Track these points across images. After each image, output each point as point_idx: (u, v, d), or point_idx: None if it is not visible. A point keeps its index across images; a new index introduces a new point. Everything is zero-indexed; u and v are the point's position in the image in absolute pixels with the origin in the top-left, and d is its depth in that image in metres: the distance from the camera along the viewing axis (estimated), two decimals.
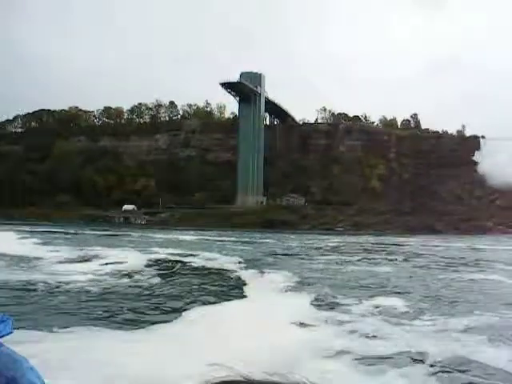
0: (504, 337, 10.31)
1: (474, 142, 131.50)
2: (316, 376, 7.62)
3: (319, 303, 14.21)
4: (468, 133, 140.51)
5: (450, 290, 17.87)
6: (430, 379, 7.71)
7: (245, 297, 15.71)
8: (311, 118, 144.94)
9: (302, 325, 11.25)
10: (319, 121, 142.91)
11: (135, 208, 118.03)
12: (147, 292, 16.19)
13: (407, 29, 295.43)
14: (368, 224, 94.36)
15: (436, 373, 8.01)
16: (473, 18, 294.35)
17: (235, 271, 22.72)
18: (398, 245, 48.01)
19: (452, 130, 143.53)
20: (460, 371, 8.17)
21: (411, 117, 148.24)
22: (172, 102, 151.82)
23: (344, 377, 7.84)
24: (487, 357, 8.75)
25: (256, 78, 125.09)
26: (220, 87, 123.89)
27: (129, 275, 19.95)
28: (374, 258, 31.58)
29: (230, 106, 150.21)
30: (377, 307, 13.56)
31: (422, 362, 8.57)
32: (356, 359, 8.71)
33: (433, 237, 68.11)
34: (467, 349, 9.28)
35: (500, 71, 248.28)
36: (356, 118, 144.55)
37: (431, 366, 8.35)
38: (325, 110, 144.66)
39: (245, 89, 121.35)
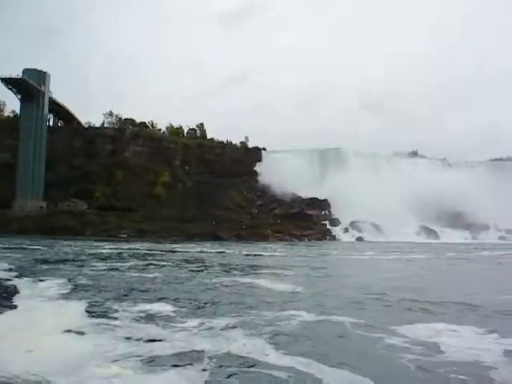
0: (256, 331, 11.65)
1: (255, 154, 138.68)
2: (100, 381, 7.95)
3: (93, 310, 14.18)
4: (250, 144, 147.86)
5: (215, 292, 18.91)
6: (205, 374, 8.45)
7: (16, 307, 15.07)
8: (97, 122, 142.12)
9: (78, 332, 11.23)
10: (105, 125, 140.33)
11: None
12: None
13: (204, 42, 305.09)
14: (152, 231, 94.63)
15: (211, 368, 8.76)
16: (268, 38, 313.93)
17: (6, 280, 21.69)
18: (176, 251, 49.19)
19: (236, 141, 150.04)
20: (230, 365, 9.01)
21: (197, 126, 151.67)
22: None
23: (128, 379, 8.18)
24: (248, 349, 9.95)
25: (41, 76, 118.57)
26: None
27: None
28: (145, 265, 31.86)
29: (11, 103, 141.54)
30: (148, 312, 14.00)
31: (198, 359, 9.27)
32: (138, 361, 9.07)
33: (214, 243, 70.38)
34: (233, 344, 10.33)
35: (282, 88, 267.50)
36: (143, 124, 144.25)
37: (206, 362, 9.10)
38: (111, 114, 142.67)
39: (27, 86, 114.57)
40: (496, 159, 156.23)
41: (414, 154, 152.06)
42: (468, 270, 35.06)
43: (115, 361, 9.06)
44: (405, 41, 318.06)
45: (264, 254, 48.65)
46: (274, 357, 9.55)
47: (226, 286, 21.29)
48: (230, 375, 8.43)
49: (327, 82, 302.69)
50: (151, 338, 10.89)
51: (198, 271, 28.37)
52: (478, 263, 42.08)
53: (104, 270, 27.72)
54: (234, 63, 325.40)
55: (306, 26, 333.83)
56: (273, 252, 51.60)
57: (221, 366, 8.87)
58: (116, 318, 13.02)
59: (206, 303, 16.11)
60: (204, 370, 8.67)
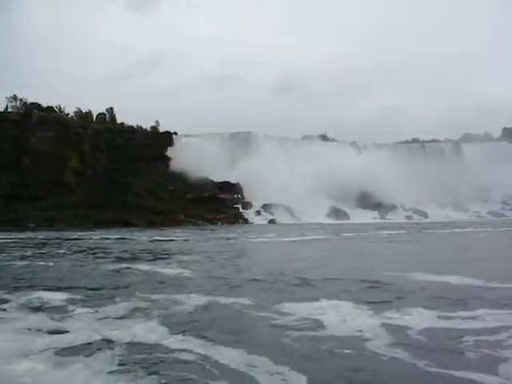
0: (153, 316, 12.12)
1: (167, 138, 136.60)
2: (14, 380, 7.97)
3: None
4: (162, 129, 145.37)
5: (109, 279, 19.13)
6: (114, 362, 8.68)
7: None
8: (0, 107, 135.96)
9: None
10: (9, 110, 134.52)
11: None
12: None
13: (114, 25, 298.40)
14: (61, 219, 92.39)
15: (118, 356, 9.03)
16: (181, 21, 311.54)
17: None
18: (79, 239, 48.45)
19: (147, 125, 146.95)
20: (135, 351, 9.36)
21: (107, 110, 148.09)
22: None
23: (42, 373, 8.19)
24: (147, 334, 10.42)
25: None
26: None
27: None
28: (41, 254, 31.49)
29: None
30: (42, 301, 14.07)
31: (104, 348, 9.51)
32: (47, 354, 9.11)
33: (123, 230, 69.14)
34: (132, 330, 10.69)
35: (194, 72, 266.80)
36: (50, 108, 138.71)
37: (112, 350, 9.36)
38: (15, 98, 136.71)
39: None
40: (401, 142, 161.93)
41: (324, 137, 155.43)
42: (360, 249, 37.01)
43: (24, 356, 9.05)
44: (317, 26, 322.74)
45: (171, 238, 48.86)
46: (173, 340, 10.02)
47: (121, 272, 21.52)
48: (137, 361, 8.73)
49: (239, 65, 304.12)
50: (52, 329, 10.93)
51: (95, 258, 28.30)
52: (372, 242, 44.22)
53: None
54: (146, 47, 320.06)
55: (219, 10, 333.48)
56: (181, 237, 51.75)
57: (127, 354, 9.17)
58: (10, 310, 12.94)
59: (98, 290, 16.39)
60: (112, 358, 8.91)
